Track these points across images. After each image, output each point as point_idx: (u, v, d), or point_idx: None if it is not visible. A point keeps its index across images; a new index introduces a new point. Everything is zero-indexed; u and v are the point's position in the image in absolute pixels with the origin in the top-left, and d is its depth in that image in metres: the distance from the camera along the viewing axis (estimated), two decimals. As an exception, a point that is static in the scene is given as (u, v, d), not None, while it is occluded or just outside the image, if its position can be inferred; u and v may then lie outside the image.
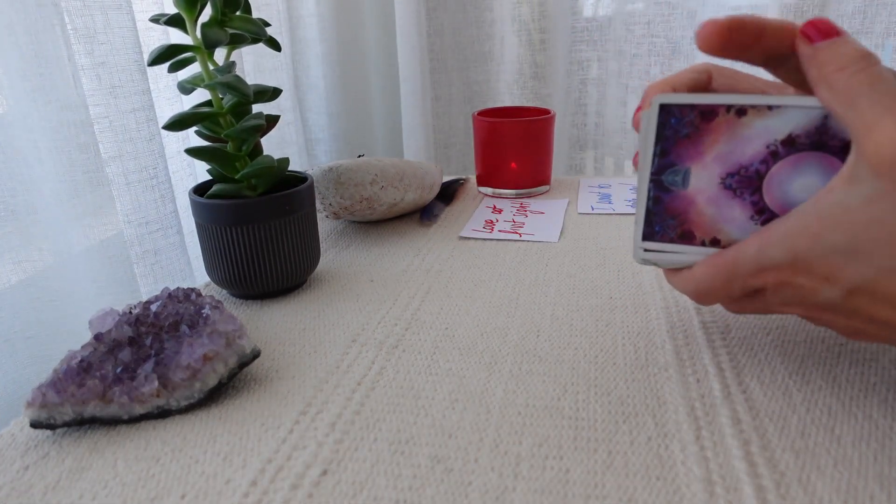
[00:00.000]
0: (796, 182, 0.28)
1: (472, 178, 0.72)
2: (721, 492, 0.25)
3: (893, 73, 0.25)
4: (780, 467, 0.26)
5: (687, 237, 0.30)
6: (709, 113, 0.29)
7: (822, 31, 0.26)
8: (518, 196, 0.65)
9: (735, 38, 0.27)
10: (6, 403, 0.43)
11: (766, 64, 0.29)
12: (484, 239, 0.54)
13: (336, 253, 0.52)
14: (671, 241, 0.31)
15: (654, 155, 0.30)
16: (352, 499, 0.25)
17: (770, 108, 0.28)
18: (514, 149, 0.63)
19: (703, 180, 0.29)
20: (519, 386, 0.32)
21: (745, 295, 0.29)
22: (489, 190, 0.66)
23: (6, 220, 0.43)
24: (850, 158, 0.24)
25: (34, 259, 0.45)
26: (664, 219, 0.31)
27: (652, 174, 0.30)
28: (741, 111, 0.28)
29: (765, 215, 0.28)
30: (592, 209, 0.60)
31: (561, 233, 0.54)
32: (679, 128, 0.29)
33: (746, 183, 0.29)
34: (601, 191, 0.66)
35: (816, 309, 0.27)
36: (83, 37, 0.44)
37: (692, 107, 0.29)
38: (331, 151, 0.89)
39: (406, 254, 0.51)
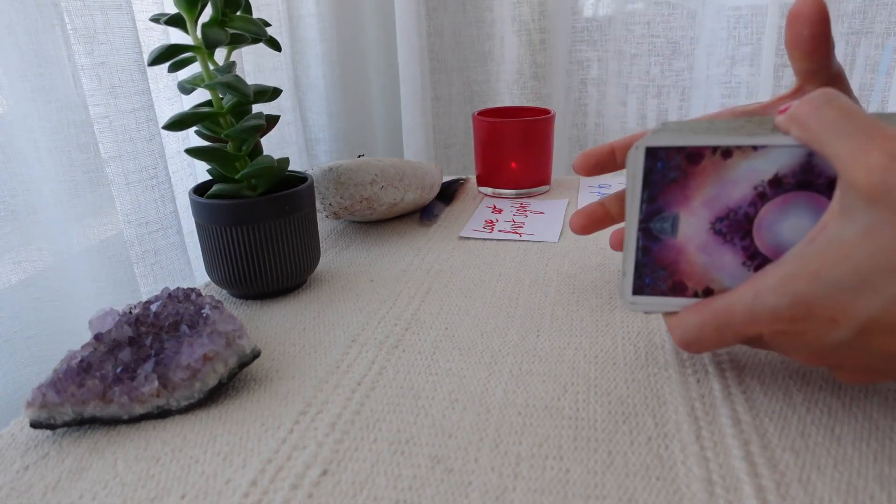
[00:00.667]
0: (786, 223, 0.27)
1: (472, 178, 0.72)
2: (721, 492, 0.25)
3: (854, 103, 0.25)
4: (780, 467, 0.26)
5: (678, 289, 0.30)
6: (695, 156, 0.28)
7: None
8: (518, 196, 0.65)
9: (599, 164, 0.36)
10: (6, 403, 0.43)
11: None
12: (484, 239, 0.54)
13: (336, 253, 0.52)
14: (662, 293, 0.30)
15: (642, 201, 0.29)
16: (352, 499, 0.25)
17: (755, 148, 0.27)
18: (514, 149, 0.63)
19: (692, 227, 0.29)
20: (519, 386, 0.32)
21: (740, 342, 0.28)
22: (489, 190, 0.66)
23: (6, 220, 0.43)
24: (837, 193, 0.24)
25: (34, 259, 0.45)
26: (654, 270, 0.30)
27: (640, 222, 0.29)
28: (727, 153, 0.27)
29: (757, 260, 0.28)
30: (592, 209, 0.60)
31: (561, 233, 0.54)
32: (666, 172, 0.28)
33: (736, 227, 0.28)
34: (601, 191, 0.66)
35: (822, 354, 0.25)
36: (83, 37, 0.44)
37: (679, 149, 0.28)
38: (331, 151, 0.89)
39: (406, 254, 0.51)
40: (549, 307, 0.41)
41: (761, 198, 0.27)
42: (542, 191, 0.66)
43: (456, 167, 0.99)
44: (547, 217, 0.58)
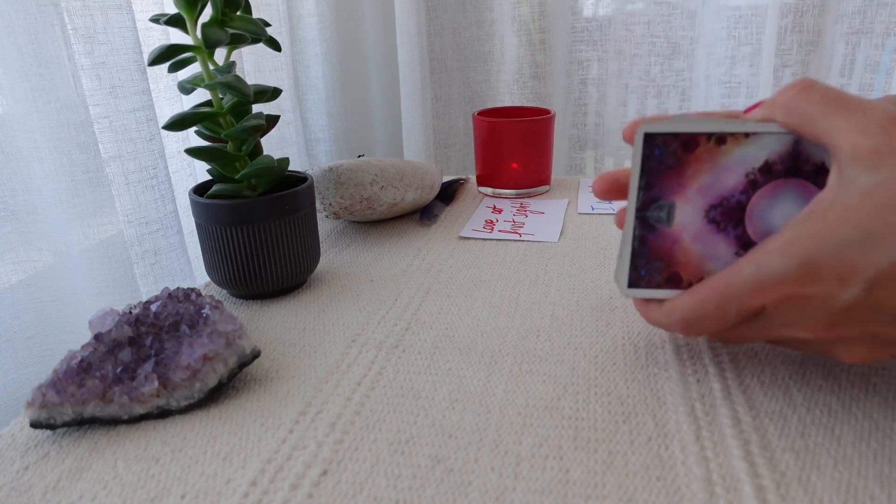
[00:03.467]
0: (776, 210, 0.28)
1: (472, 178, 0.72)
2: (721, 492, 0.25)
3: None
4: (780, 467, 0.26)
5: (674, 281, 0.30)
6: (691, 142, 0.28)
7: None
8: (518, 196, 0.65)
9: (618, 185, 0.31)
10: (6, 403, 0.43)
11: None
12: (484, 239, 0.54)
13: (336, 253, 0.52)
14: (658, 286, 0.30)
15: (639, 189, 0.29)
16: (352, 499, 0.25)
17: (747, 135, 0.28)
18: (514, 149, 0.63)
19: (687, 215, 0.29)
20: (519, 386, 0.32)
21: (741, 320, 0.27)
22: (489, 190, 0.66)
23: (6, 220, 0.43)
24: (834, 170, 0.25)
25: (34, 259, 0.45)
26: (650, 261, 0.30)
27: (637, 210, 0.29)
28: (721, 139, 0.28)
29: (749, 250, 0.28)
30: (592, 209, 0.60)
31: (561, 233, 0.54)
32: (663, 158, 0.28)
33: (729, 215, 0.28)
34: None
35: (829, 322, 0.25)
36: (83, 37, 0.44)
37: (675, 136, 0.28)
38: (331, 151, 0.89)
39: (406, 254, 0.51)
40: (549, 307, 0.41)
41: (753, 185, 0.28)
42: (542, 191, 0.66)
43: (456, 167, 0.99)
44: (547, 217, 0.58)
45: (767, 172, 0.28)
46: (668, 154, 0.28)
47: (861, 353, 0.26)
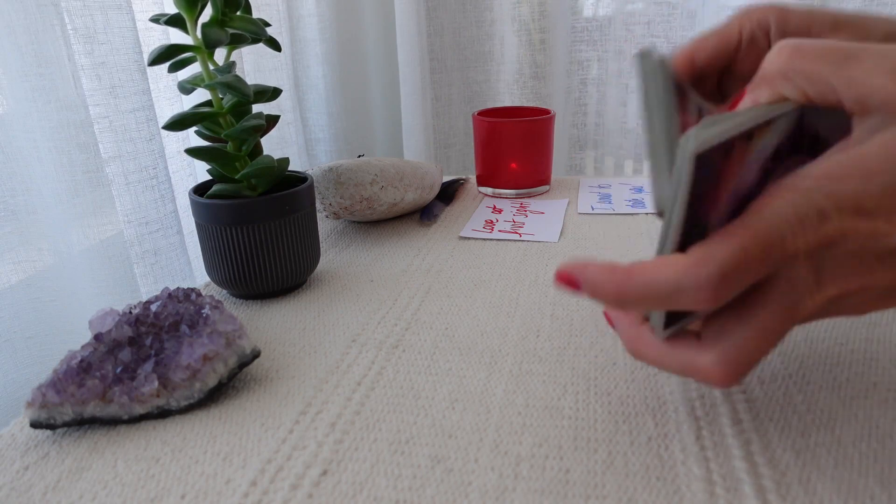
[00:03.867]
0: None
1: (472, 178, 0.72)
2: (721, 492, 0.25)
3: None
4: (780, 467, 0.26)
5: None
6: (729, 148, 0.24)
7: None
8: (518, 196, 0.65)
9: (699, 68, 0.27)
10: (6, 403, 0.43)
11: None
12: (484, 239, 0.54)
13: (336, 253, 0.52)
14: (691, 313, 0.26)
15: (683, 223, 0.23)
16: (352, 499, 0.25)
17: (768, 123, 0.24)
18: (514, 149, 0.63)
19: (716, 227, 0.24)
20: (519, 386, 0.32)
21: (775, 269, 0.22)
22: (489, 190, 0.66)
23: (6, 220, 0.43)
24: (857, 124, 0.22)
25: (34, 259, 0.45)
26: None
27: (677, 245, 0.24)
28: (749, 135, 0.24)
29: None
30: (592, 209, 0.60)
31: (561, 233, 0.54)
32: (710, 177, 0.23)
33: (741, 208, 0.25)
34: (601, 191, 0.66)
35: (874, 269, 0.22)
36: (83, 37, 0.44)
37: (718, 148, 0.23)
38: (331, 151, 0.89)
39: (406, 254, 0.51)
40: (549, 307, 0.41)
41: (766, 175, 0.25)
42: (542, 191, 0.66)
43: (456, 167, 0.99)
44: (547, 217, 0.58)
45: (776, 158, 0.25)
46: (711, 170, 0.23)
47: (878, 302, 0.24)
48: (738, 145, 0.24)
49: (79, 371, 0.30)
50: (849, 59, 0.22)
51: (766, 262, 0.22)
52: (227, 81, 0.38)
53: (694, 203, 0.23)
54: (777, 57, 0.24)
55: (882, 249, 0.22)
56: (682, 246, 0.24)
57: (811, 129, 0.25)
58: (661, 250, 0.24)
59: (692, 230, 0.24)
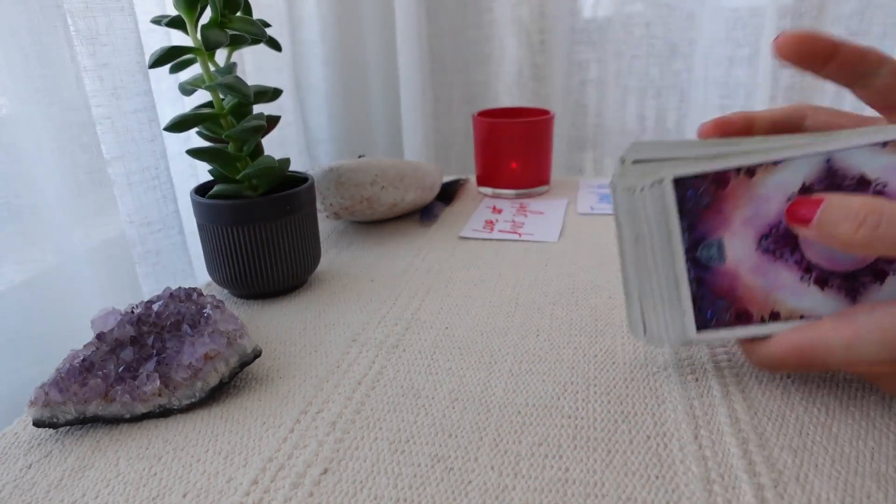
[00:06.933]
0: None
1: (472, 179, 0.72)
2: (719, 490, 0.25)
3: None
4: (778, 466, 0.26)
5: (744, 317, 0.29)
6: (721, 180, 0.28)
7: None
8: (518, 196, 0.65)
9: (808, 49, 0.28)
10: (9, 402, 0.43)
11: (850, 84, 0.29)
12: (484, 239, 0.54)
13: (336, 253, 0.52)
14: (727, 324, 0.29)
15: (683, 231, 0.28)
16: (352, 497, 0.25)
17: (775, 163, 0.27)
18: (514, 149, 0.63)
19: (739, 249, 0.28)
20: (519, 385, 0.32)
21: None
22: (489, 190, 0.66)
23: (9, 221, 0.43)
24: None
25: (37, 259, 0.45)
26: (713, 301, 0.29)
27: (686, 252, 0.29)
28: (750, 172, 0.27)
29: (814, 272, 0.28)
30: (592, 209, 0.60)
31: (560, 233, 0.54)
32: (698, 199, 0.28)
33: (782, 242, 0.28)
34: (600, 191, 0.66)
35: None
36: (86, 39, 0.44)
37: (704, 176, 0.28)
38: (331, 152, 0.89)
39: (406, 254, 0.51)
40: (548, 307, 0.41)
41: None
42: (541, 191, 0.66)
43: (456, 167, 0.99)
44: (547, 217, 0.58)
45: (808, 193, 0.27)
46: (701, 194, 0.28)
47: None
48: (732, 178, 0.28)
49: (81, 370, 0.30)
50: None
51: (805, 368, 0.27)
52: (227, 82, 0.39)
53: (693, 221, 0.28)
54: (858, 229, 0.25)
55: None
56: (694, 261, 0.29)
57: (855, 171, 0.27)
58: (668, 279, 0.29)
59: (700, 245, 0.29)
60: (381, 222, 0.59)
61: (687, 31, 0.84)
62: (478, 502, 0.25)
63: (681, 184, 0.28)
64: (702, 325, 0.29)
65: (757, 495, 0.24)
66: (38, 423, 0.29)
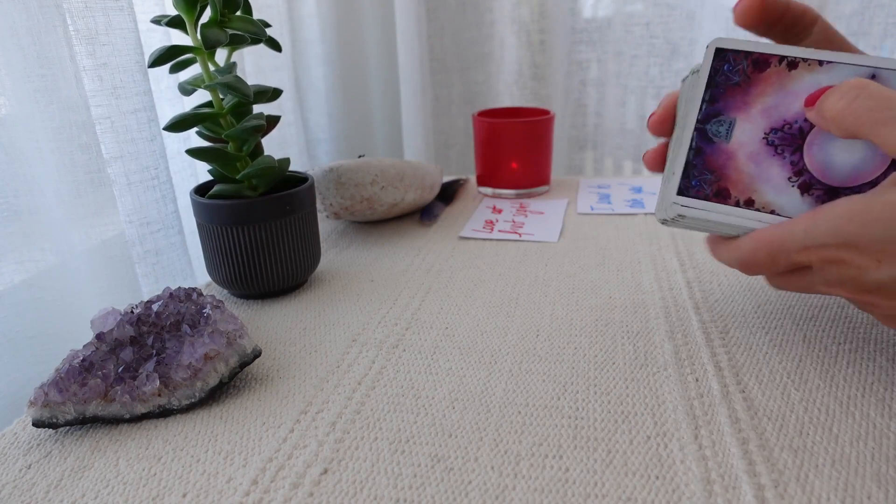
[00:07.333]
0: (839, 143, 0.28)
1: (472, 179, 0.72)
2: (719, 490, 0.25)
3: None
4: (778, 466, 0.26)
5: (722, 195, 0.30)
6: (762, 63, 0.29)
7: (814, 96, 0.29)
8: (518, 196, 0.65)
9: (765, 15, 0.30)
10: (9, 402, 0.43)
11: (788, 39, 0.31)
12: (484, 239, 0.54)
13: (336, 253, 0.52)
14: (706, 197, 0.30)
15: (703, 101, 0.30)
16: (352, 497, 0.25)
17: (821, 63, 0.28)
18: (514, 149, 0.63)
19: (746, 133, 0.29)
20: (518, 385, 0.32)
21: (790, 271, 0.29)
22: (489, 190, 0.66)
23: (9, 221, 0.43)
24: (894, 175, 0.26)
25: (37, 259, 0.45)
26: (702, 172, 0.30)
27: (698, 122, 0.30)
28: (793, 64, 0.28)
29: (803, 177, 0.28)
30: (592, 209, 0.60)
31: (560, 233, 0.54)
32: (731, 75, 0.29)
33: (789, 140, 0.29)
34: (600, 191, 0.66)
35: (862, 291, 0.27)
36: (85, 38, 0.44)
37: (747, 54, 0.29)
38: (331, 152, 0.89)
39: (406, 254, 0.51)
40: (549, 307, 0.41)
41: None
42: (541, 191, 0.66)
43: (456, 167, 0.99)
44: (547, 217, 0.58)
45: None
46: (735, 71, 0.29)
47: (889, 323, 0.28)
48: (773, 64, 0.29)
49: (81, 370, 0.30)
50: (889, 122, 0.25)
51: (775, 265, 0.29)
52: (227, 82, 0.39)
53: (716, 94, 0.29)
54: (838, 99, 0.27)
55: (869, 281, 0.26)
56: (701, 131, 0.30)
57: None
58: (676, 144, 0.30)
59: (713, 118, 0.30)
60: (380, 222, 0.59)
61: (687, 31, 0.84)
62: (478, 502, 0.25)
63: (721, 55, 0.29)
64: (683, 189, 0.31)
65: (757, 495, 0.24)
66: (37, 424, 0.29)
